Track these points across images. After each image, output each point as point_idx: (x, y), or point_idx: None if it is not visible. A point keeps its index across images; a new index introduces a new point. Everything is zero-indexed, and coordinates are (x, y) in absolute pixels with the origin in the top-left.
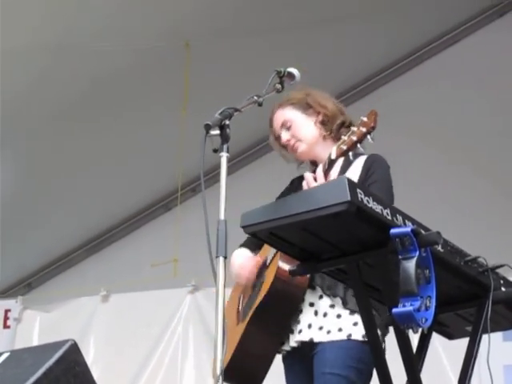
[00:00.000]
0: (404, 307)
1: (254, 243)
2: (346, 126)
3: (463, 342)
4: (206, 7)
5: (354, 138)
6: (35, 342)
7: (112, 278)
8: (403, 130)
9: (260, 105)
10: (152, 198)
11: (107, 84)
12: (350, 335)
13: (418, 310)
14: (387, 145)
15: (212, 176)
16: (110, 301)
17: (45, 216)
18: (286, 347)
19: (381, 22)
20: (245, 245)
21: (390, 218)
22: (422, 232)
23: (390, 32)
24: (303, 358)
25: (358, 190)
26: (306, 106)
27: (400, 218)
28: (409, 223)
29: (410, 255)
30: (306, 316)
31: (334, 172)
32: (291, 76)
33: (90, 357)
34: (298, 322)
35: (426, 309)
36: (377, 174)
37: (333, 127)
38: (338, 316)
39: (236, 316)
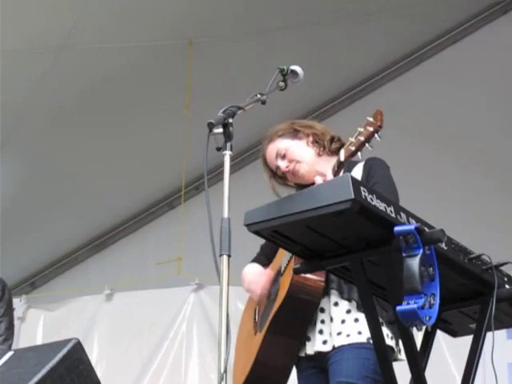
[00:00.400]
0: (408, 305)
1: (265, 256)
2: (335, 140)
3: (467, 340)
4: (209, 6)
5: (362, 138)
6: (39, 341)
7: (116, 277)
8: (404, 129)
9: (263, 103)
10: (156, 196)
11: (110, 83)
12: (369, 338)
13: (422, 307)
14: (388, 144)
15: (215, 174)
16: (114, 299)
17: (49, 215)
18: (302, 353)
19: (383, 20)
20: (256, 260)
21: (393, 215)
22: (426, 230)
23: (392, 30)
24: (318, 366)
25: (362, 188)
26: (295, 132)
27: (404, 215)
28: (412, 221)
29: (413, 253)
30: (326, 326)
31: None
32: (294, 74)
33: (93, 355)
34: (321, 332)
35: (430, 306)
36: (378, 176)
37: (325, 143)
38: (356, 320)
39: (253, 327)
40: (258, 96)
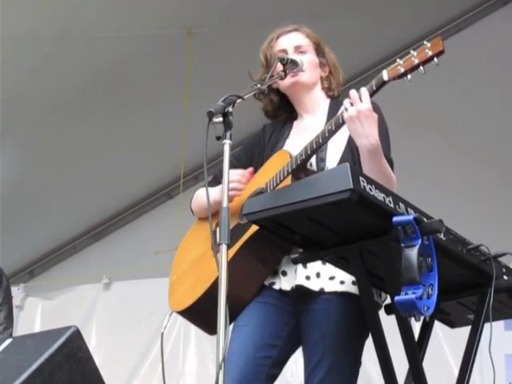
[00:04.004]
0: (406, 295)
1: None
2: (339, 96)
3: (465, 331)
4: None
5: (416, 61)
6: (37, 330)
7: (114, 266)
8: (405, 119)
9: (263, 92)
10: (154, 185)
11: (109, 72)
12: None
13: (420, 297)
14: (390, 133)
15: (215, 164)
16: (112, 288)
17: (47, 203)
18: (276, 287)
19: (382, 11)
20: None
21: (392, 205)
22: (425, 220)
23: (390, 22)
24: (284, 307)
25: (361, 178)
26: (321, 55)
27: (402, 205)
28: (411, 211)
29: (412, 243)
30: (312, 263)
31: (322, 115)
32: (294, 64)
33: (91, 344)
34: (305, 267)
35: (428, 297)
36: (380, 121)
37: (333, 89)
38: None
39: (212, 249)
40: (258, 85)
